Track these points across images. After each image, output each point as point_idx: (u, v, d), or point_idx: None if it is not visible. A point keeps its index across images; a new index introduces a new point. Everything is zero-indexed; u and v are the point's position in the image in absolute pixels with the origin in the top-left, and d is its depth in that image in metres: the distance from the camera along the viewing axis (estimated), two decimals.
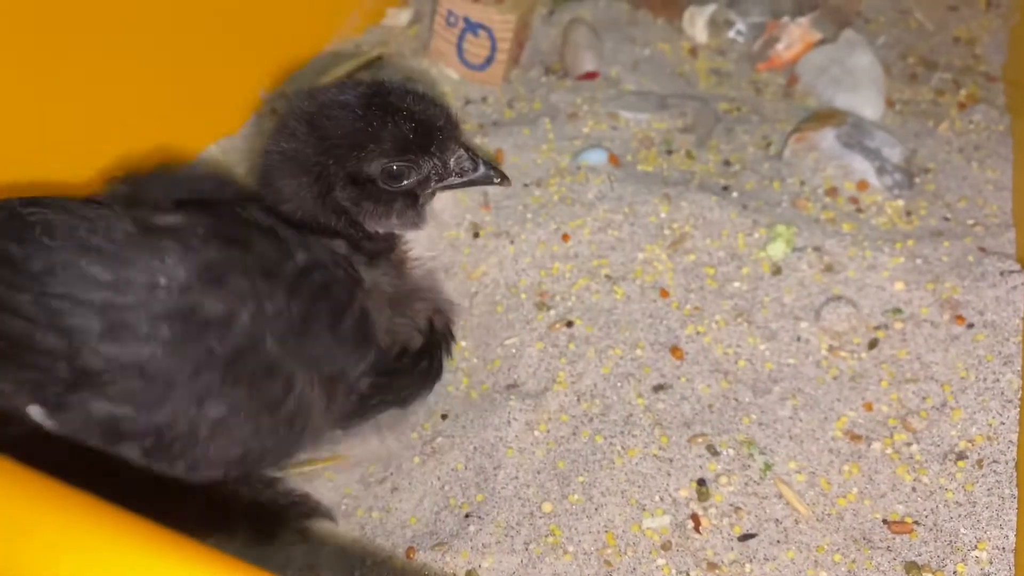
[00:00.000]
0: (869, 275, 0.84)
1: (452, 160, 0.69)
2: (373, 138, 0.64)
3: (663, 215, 0.90)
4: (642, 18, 1.20)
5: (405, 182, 0.67)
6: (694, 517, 0.71)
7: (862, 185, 0.93)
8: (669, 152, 1.00)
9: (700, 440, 0.75)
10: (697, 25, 1.17)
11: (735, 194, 0.93)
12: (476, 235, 0.91)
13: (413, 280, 0.76)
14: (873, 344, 0.80)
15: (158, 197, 0.66)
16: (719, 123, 1.04)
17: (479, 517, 0.73)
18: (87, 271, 0.57)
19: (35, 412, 0.58)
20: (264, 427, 0.64)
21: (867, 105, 1.03)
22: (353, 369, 0.69)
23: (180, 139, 1.03)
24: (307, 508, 0.75)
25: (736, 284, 0.85)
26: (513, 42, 1.12)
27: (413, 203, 0.69)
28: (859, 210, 0.92)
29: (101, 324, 0.57)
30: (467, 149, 0.70)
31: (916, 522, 0.70)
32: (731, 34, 1.17)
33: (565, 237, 0.89)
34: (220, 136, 1.07)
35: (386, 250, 0.74)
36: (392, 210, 0.68)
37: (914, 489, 0.72)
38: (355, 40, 1.22)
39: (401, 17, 1.24)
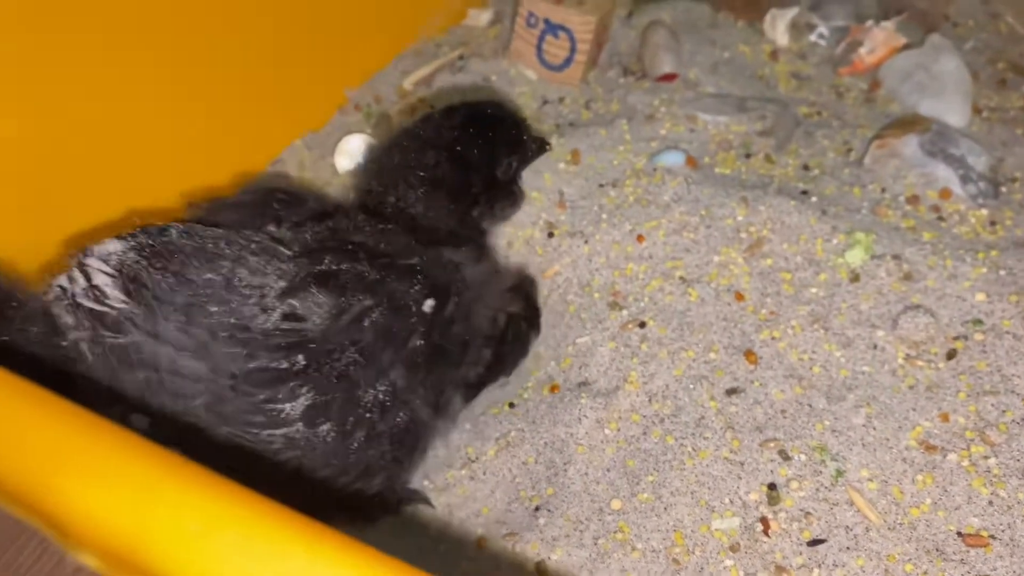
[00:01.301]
0: (949, 285, 0.83)
1: (529, 144, 0.87)
2: (498, 148, 0.81)
3: (740, 218, 0.90)
4: (722, 20, 1.20)
5: (513, 170, 0.85)
6: (763, 520, 0.72)
7: (945, 193, 0.91)
8: (747, 155, 1.00)
9: (772, 445, 0.75)
10: (778, 28, 1.16)
11: (814, 199, 0.92)
12: (551, 235, 0.93)
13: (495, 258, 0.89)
14: (951, 355, 0.79)
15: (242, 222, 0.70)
16: (799, 127, 1.04)
17: (549, 510, 0.75)
18: (227, 306, 0.61)
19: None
20: (389, 455, 0.69)
21: (952, 112, 1.02)
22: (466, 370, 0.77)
23: (267, 134, 1.08)
24: (408, 494, 0.78)
25: (813, 290, 0.85)
26: (592, 43, 1.13)
27: (518, 187, 0.87)
28: (941, 219, 0.90)
29: (242, 351, 0.61)
30: (535, 135, 0.89)
31: (992, 536, 0.69)
32: (813, 37, 1.16)
33: (640, 238, 0.90)
34: (305, 132, 1.11)
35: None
36: (512, 197, 0.85)
37: (991, 503, 0.71)
38: (437, 40, 1.24)
39: (482, 18, 1.26)
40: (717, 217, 0.90)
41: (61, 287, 0.62)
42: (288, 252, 0.64)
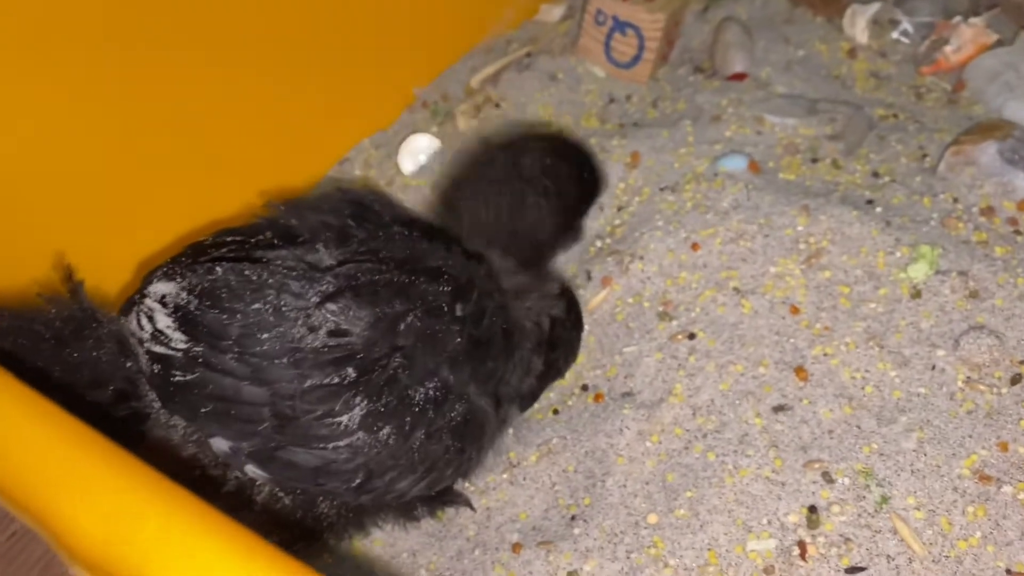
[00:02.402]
0: (1019, 305, 0.78)
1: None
2: (592, 192, 0.87)
3: (800, 228, 0.87)
4: (800, 16, 1.16)
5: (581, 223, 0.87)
6: (801, 544, 0.70)
7: (1023, 205, 0.86)
8: (814, 160, 0.97)
9: (816, 466, 0.73)
10: (858, 24, 1.11)
11: (879, 209, 0.89)
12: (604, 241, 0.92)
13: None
14: (1016, 380, 0.75)
15: (317, 225, 0.71)
16: (872, 131, 1.00)
17: (585, 520, 0.75)
18: (276, 331, 0.64)
19: (250, 469, 0.67)
20: (453, 447, 0.70)
21: None
22: (516, 376, 0.76)
23: (336, 133, 1.10)
24: (451, 496, 0.79)
25: (871, 305, 0.82)
26: (662, 41, 1.11)
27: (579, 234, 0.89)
28: (1017, 232, 0.85)
29: (295, 372, 0.63)
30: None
31: None
32: (895, 35, 1.11)
33: (695, 246, 0.88)
34: (374, 131, 1.13)
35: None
36: (576, 235, 0.87)
37: None
38: (508, 36, 1.24)
39: (554, 13, 1.25)
40: (776, 226, 0.88)
41: (134, 334, 0.67)
42: (326, 276, 0.66)
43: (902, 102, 1.04)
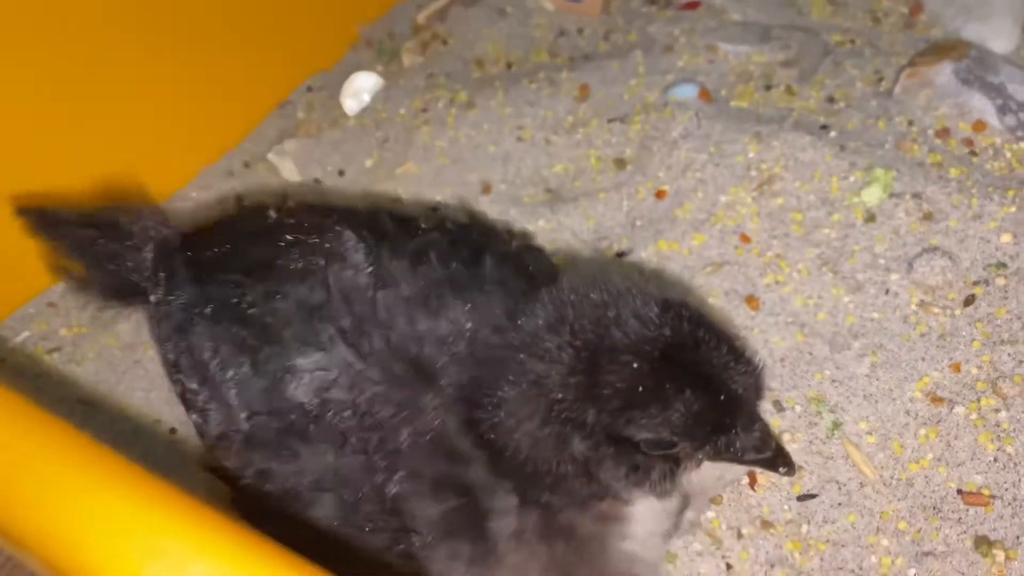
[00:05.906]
0: (973, 225, 0.77)
1: (741, 438, 0.51)
2: (659, 404, 0.48)
3: (751, 155, 0.85)
4: None
5: (673, 451, 0.51)
6: (751, 473, 0.69)
7: (979, 126, 0.84)
8: (768, 87, 0.94)
9: (767, 395, 0.72)
10: None
11: (833, 134, 0.86)
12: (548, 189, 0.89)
13: (597, 559, 0.56)
14: (969, 301, 0.74)
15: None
16: (828, 56, 0.97)
17: None
18: None
19: None
20: None
21: (999, 36, 0.93)
22: None
23: (275, 74, 1.06)
24: None
25: (825, 231, 0.80)
26: None
27: (672, 471, 0.52)
28: (972, 153, 0.83)
29: None
30: (763, 428, 0.52)
31: (993, 495, 0.64)
32: None
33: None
34: (315, 71, 1.09)
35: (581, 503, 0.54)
36: (643, 477, 0.52)
37: (996, 459, 0.66)
38: None
39: None
40: (727, 154, 0.85)
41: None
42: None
43: (859, 27, 1.01)
